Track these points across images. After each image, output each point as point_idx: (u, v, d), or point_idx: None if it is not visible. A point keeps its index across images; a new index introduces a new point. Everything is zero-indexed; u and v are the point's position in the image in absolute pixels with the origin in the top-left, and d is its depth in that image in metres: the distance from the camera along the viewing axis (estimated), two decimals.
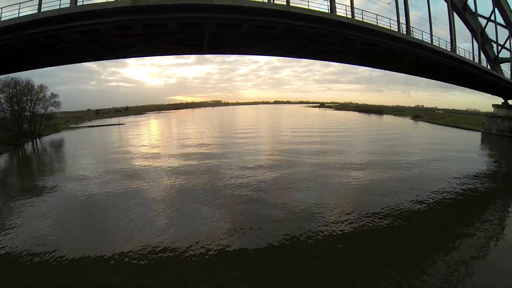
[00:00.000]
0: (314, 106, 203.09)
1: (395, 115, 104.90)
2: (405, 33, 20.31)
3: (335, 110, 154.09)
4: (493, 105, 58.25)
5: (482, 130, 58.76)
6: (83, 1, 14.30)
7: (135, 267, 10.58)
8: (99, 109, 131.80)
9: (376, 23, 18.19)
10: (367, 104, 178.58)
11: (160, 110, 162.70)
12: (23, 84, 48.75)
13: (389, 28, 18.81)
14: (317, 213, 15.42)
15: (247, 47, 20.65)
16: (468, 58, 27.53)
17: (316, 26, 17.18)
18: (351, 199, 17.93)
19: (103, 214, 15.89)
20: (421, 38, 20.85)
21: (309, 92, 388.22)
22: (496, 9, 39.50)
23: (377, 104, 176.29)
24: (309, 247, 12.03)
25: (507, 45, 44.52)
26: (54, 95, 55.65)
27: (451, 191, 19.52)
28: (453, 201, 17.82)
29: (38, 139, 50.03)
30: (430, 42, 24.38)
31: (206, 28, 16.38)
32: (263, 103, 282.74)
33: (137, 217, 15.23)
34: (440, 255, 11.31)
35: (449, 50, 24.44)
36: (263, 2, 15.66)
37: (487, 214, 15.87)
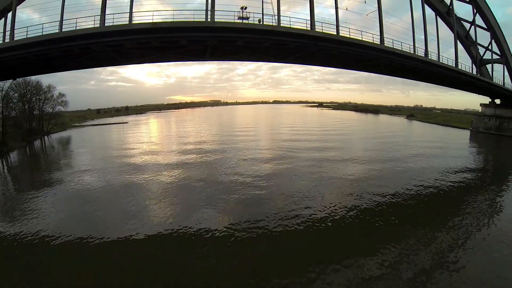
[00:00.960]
0: (312, 106, 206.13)
1: (390, 115, 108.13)
2: (378, 42, 23.51)
3: (333, 109, 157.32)
4: (481, 104, 61.36)
5: (471, 128, 61.87)
6: (113, 22, 17.54)
7: (145, 240, 13.50)
8: (100, 109, 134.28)
9: (349, 36, 21.49)
10: (365, 104, 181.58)
11: (160, 109, 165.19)
12: (33, 85, 51.56)
13: (361, 38, 22.04)
14: (303, 195, 18.45)
15: (243, 55, 24.03)
16: (439, 60, 30.61)
17: (297, 40, 20.67)
18: (333, 183, 20.95)
19: (121, 199, 18.81)
20: (391, 46, 23.97)
21: (308, 92, 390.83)
22: (478, 14, 42.57)
23: (376, 104, 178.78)
24: (295, 223, 14.96)
25: (489, 48, 47.81)
26: (61, 95, 58.63)
27: (420, 180, 22.53)
28: (416, 189, 20.81)
29: (46, 137, 52.84)
30: (412, 49, 27.84)
31: (209, 43, 19.63)
32: (262, 102, 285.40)
33: (147, 199, 18.22)
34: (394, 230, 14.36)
35: (422, 55, 27.50)
36: (254, 23, 19.05)
37: (453, 197, 18.95)
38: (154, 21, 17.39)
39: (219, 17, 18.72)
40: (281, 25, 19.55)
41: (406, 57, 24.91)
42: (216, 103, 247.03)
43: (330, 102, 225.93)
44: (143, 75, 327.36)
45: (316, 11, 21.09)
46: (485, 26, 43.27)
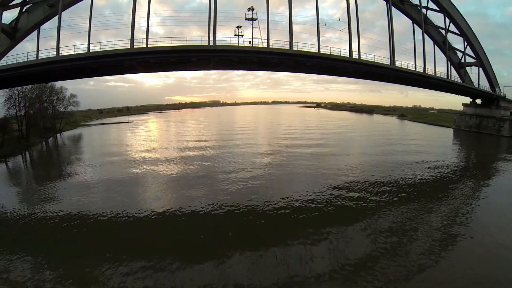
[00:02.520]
0: (311, 106, 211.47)
1: (383, 115, 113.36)
2: (347, 55, 29.12)
3: (329, 110, 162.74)
4: (463, 104, 66.51)
5: (454, 126, 66.87)
6: (147, 43, 23.25)
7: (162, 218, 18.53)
8: (101, 109, 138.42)
9: (320, 52, 27.00)
10: (364, 104, 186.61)
11: (161, 110, 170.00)
12: (48, 86, 56.44)
13: (329, 53, 27.50)
14: (292, 178, 23.59)
15: (238, 67, 30.11)
16: (415, 67, 36.02)
17: (279, 57, 26.88)
18: (316, 169, 26.09)
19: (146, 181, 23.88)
20: (356, 57, 29.43)
21: (307, 92, 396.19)
22: (451, 22, 47.70)
23: (374, 104, 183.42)
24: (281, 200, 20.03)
25: (465, 52, 52.95)
26: (73, 96, 63.38)
27: (385, 171, 27.62)
28: (380, 178, 25.89)
29: (60, 134, 57.89)
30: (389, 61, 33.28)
31: (212, 59, 25.37)
32: (261, 103, 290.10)
33: (166, 181, 23.36)
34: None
35: (389, 63, 32.82)
36: (245, 46, 24.81)
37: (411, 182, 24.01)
38: (173, 43, 23.01)
39: (220, 29, 24.30)
40: (270, 41, 25.66)
41: (368, 65, 30.42)
42: (215, 104, 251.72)
43: (329, 103, 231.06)
44: (142, 76, 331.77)
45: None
46: (458, 32, 48.35)
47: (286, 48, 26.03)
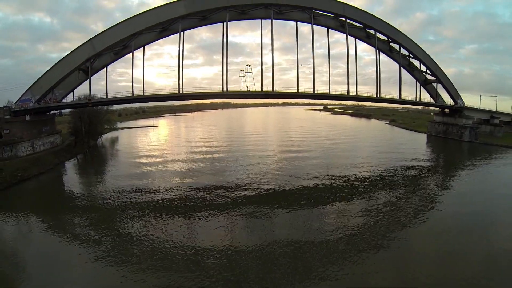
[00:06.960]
0: (317, 109, 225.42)
1: (379, 119, 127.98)
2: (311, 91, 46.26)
3: (332, 114, 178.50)
4: (433, 113, 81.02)
5: (427, 132, 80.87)
6: (183, 88, 41.13)
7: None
8: (119, 110, 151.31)
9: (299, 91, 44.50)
10: (373, 106, 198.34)
11: (175, 112, 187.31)
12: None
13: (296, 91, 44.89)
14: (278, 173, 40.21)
15: (240, 98, 47.73)
16: (378, 91, 53.06)
17: (266, 95, 43.74)
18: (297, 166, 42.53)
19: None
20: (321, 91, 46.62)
21: None
22: (408, 52, 63.23)
23: (384, 106, 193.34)
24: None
25: (427, 72, 68.07)
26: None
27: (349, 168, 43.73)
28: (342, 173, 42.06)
29: (103, 136, 76.08)
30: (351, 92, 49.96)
31: (226, 96, 43.17)
32: (271, 105, 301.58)
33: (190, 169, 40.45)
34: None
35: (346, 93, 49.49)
36: (244, 91, 42.61)
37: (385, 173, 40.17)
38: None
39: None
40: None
41: (326, 97, 47.23)
42: (226, 105, 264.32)
43: (338, 105, 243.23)
44: (153, 76, 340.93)
45: None
46: (412, 56, 64.17)
47: (269, 91, 44.34)
